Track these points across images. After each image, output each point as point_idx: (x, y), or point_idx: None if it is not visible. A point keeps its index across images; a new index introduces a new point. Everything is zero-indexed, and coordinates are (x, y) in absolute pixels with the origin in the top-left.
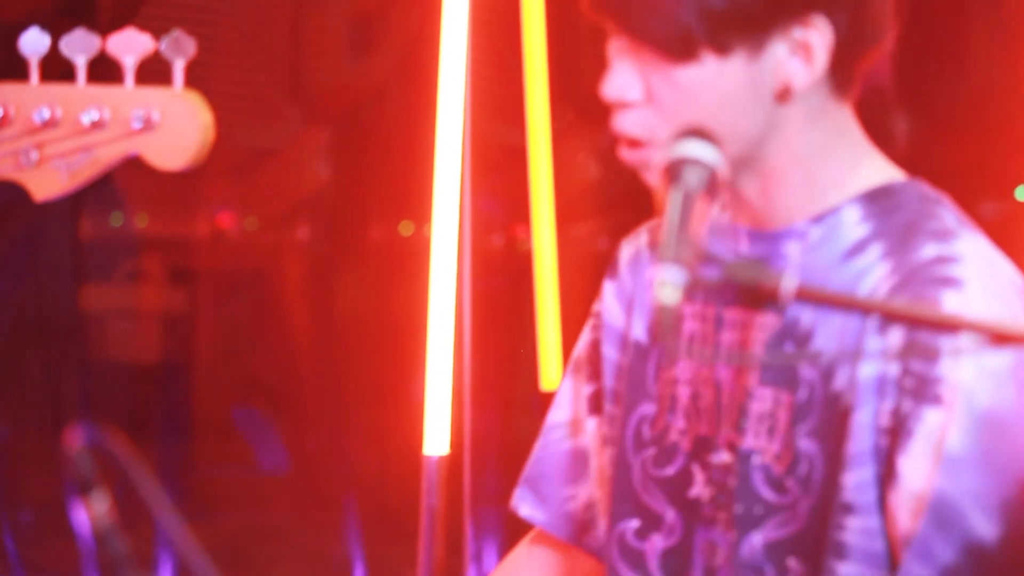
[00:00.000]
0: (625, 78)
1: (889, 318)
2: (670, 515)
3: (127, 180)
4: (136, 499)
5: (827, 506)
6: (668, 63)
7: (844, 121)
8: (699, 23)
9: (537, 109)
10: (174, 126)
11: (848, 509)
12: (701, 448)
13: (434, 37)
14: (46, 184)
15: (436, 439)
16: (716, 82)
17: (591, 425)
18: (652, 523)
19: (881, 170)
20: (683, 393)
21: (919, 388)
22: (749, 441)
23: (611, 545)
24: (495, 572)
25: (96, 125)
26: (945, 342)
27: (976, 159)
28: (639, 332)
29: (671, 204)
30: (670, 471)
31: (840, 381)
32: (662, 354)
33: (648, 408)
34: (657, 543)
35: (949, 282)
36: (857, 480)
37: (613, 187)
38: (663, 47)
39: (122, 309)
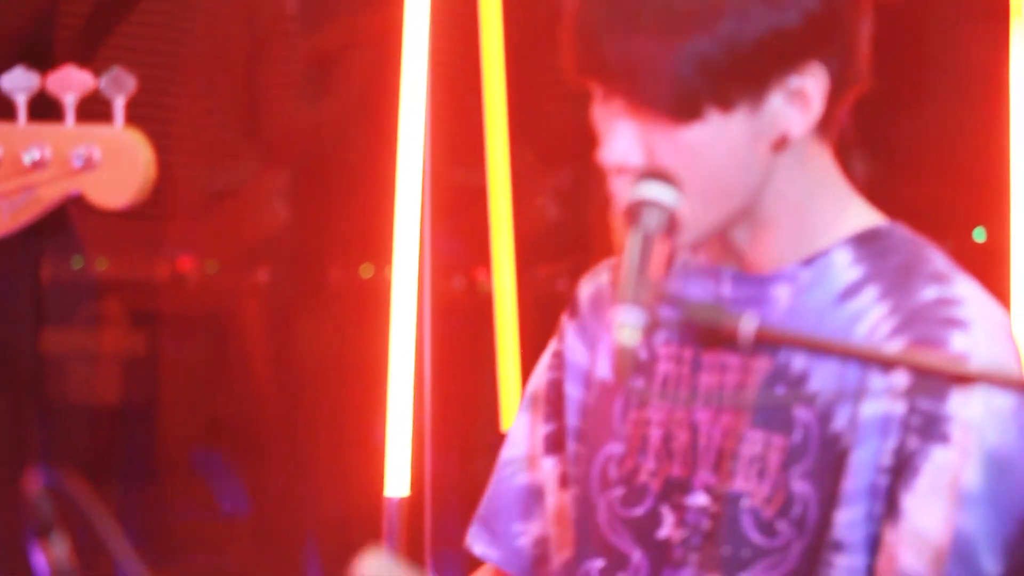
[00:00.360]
0: (626, 142)
1: (863, 360)
2: (636, 556)
3: (86, 223)
4: (96, 542)
5: (819, 546)
6: (671, 124)
7: (828, 163)
8: (703, 81)
9: (497, 150)
10: (116, 164)
11: (838, 547)
12: (672, 490)
13: (393, 78)
14: None
15: (397, 480)
16: (720, 139)
17: (548, 464)
18: (617, 563)
19: (866, 213)
20: (654, 435)
21: (927, 426)
22: (738, 484)
23: None
24: None
25: (37, 164)
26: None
27: (934, 200)
28: (604, 371)
29: (630, 246)
30: (639, 512)
31: (839, 422)
32: (630, 393)
33: (615, 448)
34: None
35: (955, 323)
36: (849, 518)
37: (573, 229)
38: (668, 109)
39: (82, 352)
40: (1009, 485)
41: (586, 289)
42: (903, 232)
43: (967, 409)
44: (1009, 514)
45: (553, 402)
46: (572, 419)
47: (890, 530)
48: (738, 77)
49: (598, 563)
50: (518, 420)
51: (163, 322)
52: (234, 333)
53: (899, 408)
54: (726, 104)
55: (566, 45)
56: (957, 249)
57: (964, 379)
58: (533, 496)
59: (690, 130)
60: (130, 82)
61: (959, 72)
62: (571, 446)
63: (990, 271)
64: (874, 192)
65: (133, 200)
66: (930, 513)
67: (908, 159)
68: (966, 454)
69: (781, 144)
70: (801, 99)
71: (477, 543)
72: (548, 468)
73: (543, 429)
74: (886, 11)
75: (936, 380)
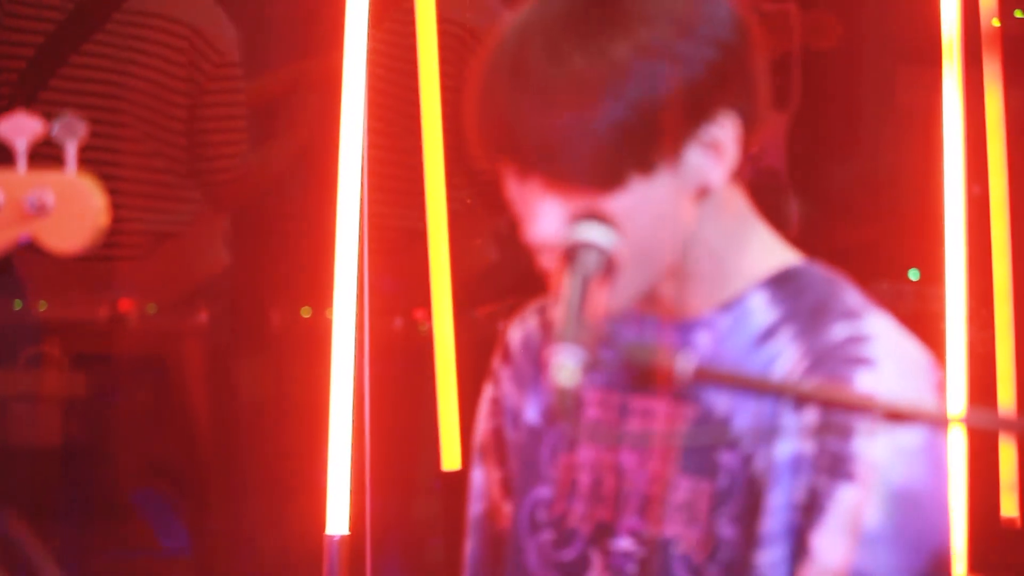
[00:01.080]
0: (551, 220)
1: (788, 396)
2: None
3: (27, 264)
4: None
5: None
6: (594, 195)
7: (742, 203)
8: (621, 148)
9: (435, 192)
10: (68, 210)
11: None
12: (601, 534)
13: (334, 123)
14: None
15: (336, 519)
16: (645, 203)
17: (508, 508)
18: None
19: (780, 252)
20: (583, 479)
21: (833, 465)
22: (669, 530)
23: None
24: None
25: None
26: (859, 420)
27: (869, 241)
28: (532, 415)
29: (568, 287)
30: (569, 555)
31: (759, 463)
32: (559, 437)
33: (543, 491)
34: None
35: (862, 361)
36: (771, 559)
37: (512, 269)
38: (590, 182)
39: (23, 394)
40: (917, 522)
41: (516, 334)
42: (818, 271)
43: (871, 448)
44: (917, 550)
45: (498, 448)
46: (512, 463)
47: (801, 569)
48: (654, 138)
49: None
50: (474, 474)
51: (104, 364)
52: (175, 374)
53: (809, 447)
54: (646, 167)
55: (473, 127)
56: (893, 289)
57: (871, 414)
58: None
59: (614, 199)
60: (82, 128)
61: (893, 115)
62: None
63: (924, 311)
64: (810, 234)
65: (86, 245)
66: (836, 551)
67: (843, 201)
68: (868, 492)
69: (701, 195)
70: (716, 149)
71: None
72: (509, 513)
73: (496, 475)
74: (821, 55)
75: (843, 419)
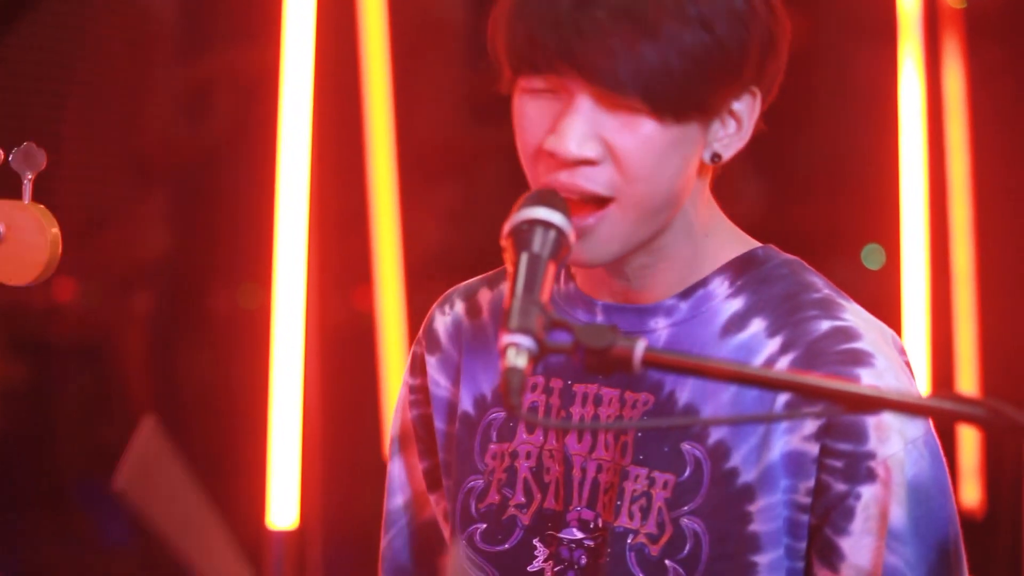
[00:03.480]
0: (583, 133)
1: (753, 384)
2: None
3: None
4: None
5: None
6: (643, 119)
7: (708, 192)
8: (698, 83)
9: (382, 170)
10: (21, 240)
11: None
12: (544, 523)
13: (271, 101)
14: None
15: (281, 511)
16: (672, 149)
17: (434, 499)
18: None
19: (737, 239)
20: (523, 467)
21: (851, 467)
22: (622, 521)
23: None
24: None
25: None
26: (866, 418)
27: (823, 222)
28: (467, 404)
29: (519, 268)
30: (505, 546)
31: (736, 459)
32: (492, 424)
33: (475, 482)
34: None
35: (859, 357)
36: (770, 559)
37: (460, 249)
38: (653, 105)
39: None
40: (928, 513)
41: (441, 320)
42: (777, 255)
43: (887, 445)
44: (930, 542)
45: (424, 439)
46: (442, 453)
47: (828, 571)
48: (718, 86)
49: None
50: (392, 466)
51: (41, 349)
52: (113, 360)
53: (812, 448)
54: (705, 110)
55: (514, 32)
56: (845, 269)
57: (871, 404)
58: (434, 533)
59: (650, 133)
60: (40, 157)
61: (849, 92)
62: (444, 481)
63: (883, 290)
64: (766, 213)
65: (38, 278)
66: (867, 550)
67: (799, 179)
68: (892, 490)
69: (703, 170)
70: (737, 123)
71: None
72: (435, 504)
73: (421, 466)
74: None
75: (850, 419)
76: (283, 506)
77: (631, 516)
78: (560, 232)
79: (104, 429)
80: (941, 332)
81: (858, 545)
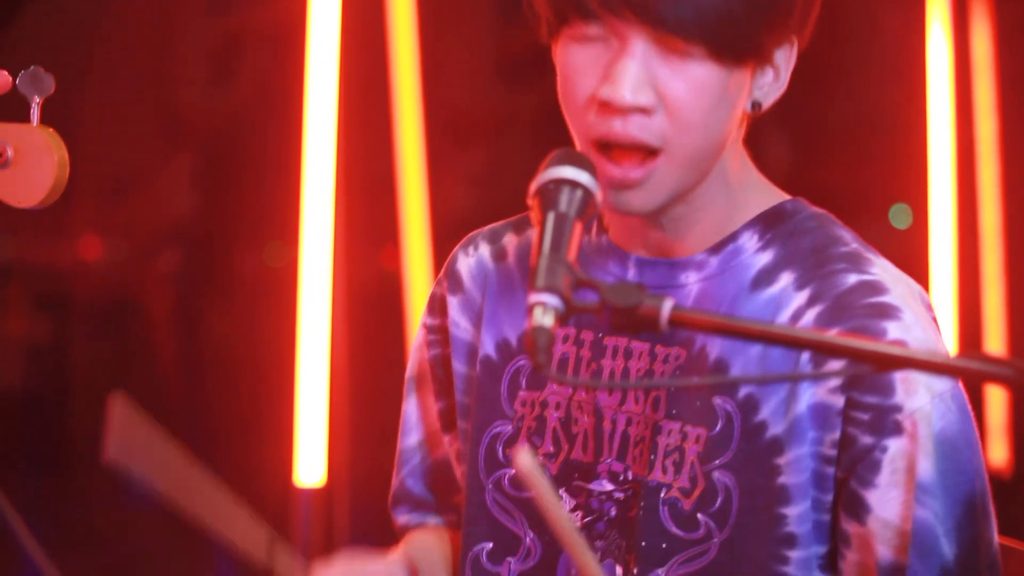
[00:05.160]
0: (639, 80)
1: (780, 343)
2: (529, 538)
3: None
4: (2, 534)
5: (745, 539)
6: (701, 62)
7: (742, 147)
8: (760, 26)
9: (409, 131)
10: (28, 163)
11: (791, 541)
12: (571, 474)
13: (299, 62)
14: None
15: (309, 469)
16: (729, 93)
17: (448, 439)
18: (507, 546)
19: (768, 193)
20: (552, 416)
21: (877, 420)
22: (655, 475)
23: (464, 569)
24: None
25: None
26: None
27: (850, 181)
28: (489, 348)
29: (545, 227)
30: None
31: (765, 412)
32: (520, 372)
33: (503, 428)
34: (512, 566)
35: (887, 311)
36: (798, 511)
37: (487, 211)
38: (716, 47)
39: None
40: (955, 467)
41: (465, 262)
42: (807, 209)
43: (914, 398)
44: (957, 496)
45: (441, 379)
46: (460, 395)
47: (855, 525)
48: (773, 32)
49: (487, 546)
50: (407, 405)
51: (68, 307)
52: (141, 319)
53: (837, 401)
54: (761, 55)
55: None
56: (877, 228)
57: (898, 363)
58: (447, 471)
59: (712, 76)
60: (48, 81)
61: (877, 50)
62: (460, 423)
63: (910, 249)
64: (794, 172)
65: (45, 200)
66: (893, 503)
67: (827, 138)
68: (919, 443)
69: (743, 119)
70: (776, 73)
71: (413, 521)
72: (448, 444)
73: (436, 406)
74: None
75: (871, 372)
76: (310, 464)
77: (664, 470)
78: (587, 191)
79: (131, 387)
80: (969, 291)
81: (885, 498)
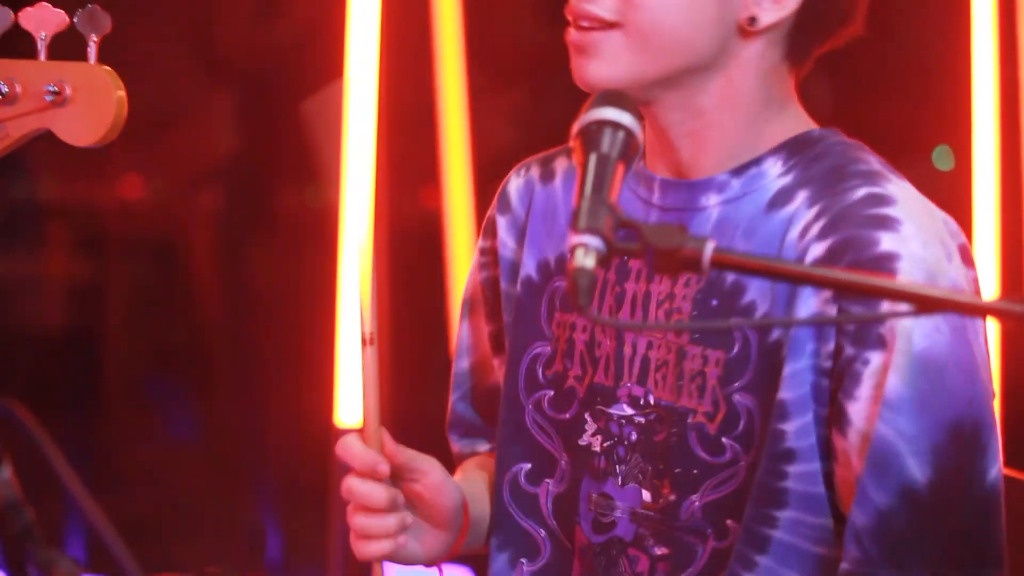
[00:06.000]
0: None
1: (816, 283)
2: (564, 461)
3: (33, 147)
4: (42, 471)
5: (767, 459)
6: None
7: (787, 91)
8: None
9: (451, 69)
10: (87, 101)
11: (789, 456)
12: (595, 397)
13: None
14: None
15: (349, 409)
16: None
17: (498, 363)
18: (545, 467)
19: (799, 121)
20: (579, 339)
21: (861, 331)
22: (682, 400)
23: (502, 489)
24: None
25: (7, 98)
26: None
27: (893, 122)
28: (530, 267)
29: (587, 169)
30: (566, 415)
31: (777, 332)
32: (557, 293)
33: (542, 348)
34: (550, 487)
35: (885, 222)
36: (798, 425)
37: (529, 149)
38: None
39: (26, 278)
40: (938, 389)
41: (515, 182)
42: (836, 136)
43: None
44: (937, 419)
45: (491, 301)
46: (507, 316)
47: (840, 438)
48: None
49: (525, 467)
50: (461, 328)
51: (109, 247)
52: (182, 259)
53: (831, 311)
54: None
55: None
56: (919, 170)
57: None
58: (496, 394)
59: None
60: (105, 20)
61: None
62: (507, 344)
63: (954, 192)
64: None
65: (103, 139)
66: (869, 417)
67: (869, 79)
68: (893, 358)
69: (747, 31)
70: None
71: (466, 447)
72: (499, 367)
73: (487, 329)
74: None
75: (910, 314)
76: (351, 404)
77: (691, 395)
78: (629, 133)
79: (171, 327)
80: (1011, 234)
81: (862, 412)
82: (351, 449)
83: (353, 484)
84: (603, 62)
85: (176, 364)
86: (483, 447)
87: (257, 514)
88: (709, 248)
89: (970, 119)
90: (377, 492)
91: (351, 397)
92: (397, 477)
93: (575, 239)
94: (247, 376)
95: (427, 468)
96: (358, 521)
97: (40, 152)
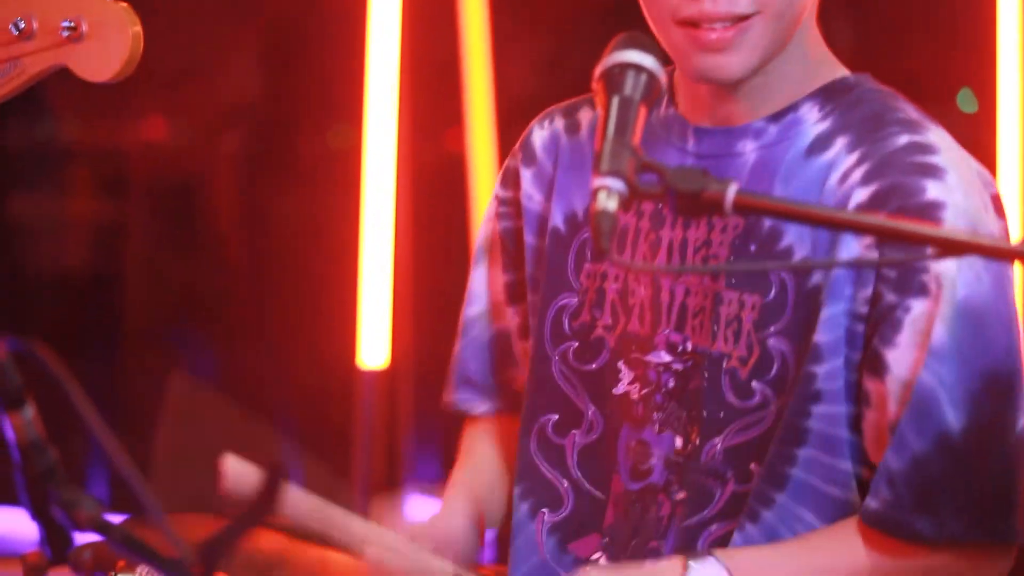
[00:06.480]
0: None
1: (845, 227)
2: (591, 411)
3: (56, 88)
4: (65, 412)
5: (796, 401)
6: None
7: (819, 36)
8: None
9: (474, 12)
10: (103, 37)
11: (817, 396)
12: (629, 346)
13: None
14: None
15: (372, 350)
16: None
17: (510, 313)
18: (571, 418)
19: (833, 65)
20: (610, 288)
21: (903, 279)
22: (719, 345)
23: (529, 439)
24: (460, 464)
25: (23, 34)
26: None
27: (917, 64)
28: (558, 219)
29: (610, 111)
30: (593, 366)
31: (816, 276)
32: (585, 244)
33: (568, 299)
34: (576, 439)
35: (930, 170)
36: (829, 368)
37: (551, 95)
38: None
39: (49, 219)
40: (977, 338)
41: (539, 134)
42: (871, 83)
43: (942, 261)
44: (975, 368)
45: (511, 252)
46: (529, 268)
47: (875, 383)
48: None
49: (553, 418)
50: (474, 275)
51: (132, 189)
52: (204, 201)
53: (871, 256)
54: None
55: None
56: (943, 112)
57: (936, 244)
58: (505, 345)
59: None
60: None
61: None
62: (530, 297)
63: (978, 135)
64: (859, 56)
65: (119, 75)
66: (909, 364)
67: (892, 20)
68: (939, 306)
69: None
70: None
71: (465, 404)
72: (511, 317)
73: (504, 278)
74: None
75: (935, 258)
76: (374, 346)
77: (726, 340)
78: (651, 75)
79: (194, 269)
80: None
81: (903, 358)
82: None
83: None
84: (743, 53)
85: (198, 305)
86: (480, 407)
87: (280, 455)
88: (732, 190)
89: (995, 62)
90: None
91: (373, 339)
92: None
93: (597, 181)
94: (270, 317)
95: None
96: None
97: (63, 93)
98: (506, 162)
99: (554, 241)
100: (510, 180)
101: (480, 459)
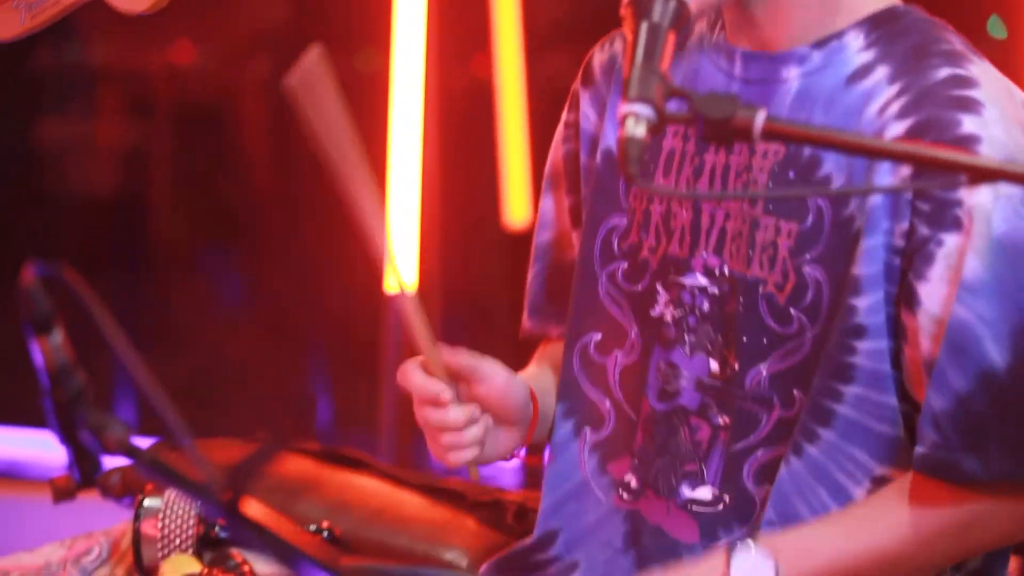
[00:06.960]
0: None
1: (874, 155)
2: (634, 332)
3: (83, 11)
4: (93, 336)
5: (835, 332)
6: None
7: None
8: None
9: None
10: None
11: (859, 331)
12: (668, 268)
13: None
14: (5, 24)
15: (400, 275)
16: None
17: (576, 237)
18: (615, 338)
19: None
20: (656, 210)
21: (937, 212)
22: (753, 270)
23: (572, 358)
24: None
25: None
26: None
27: None
28: (610, 140)
29: (638, 37)
30: (638, 287)
31: (852, 205)
32: (622, 173)
33: (618, 220)
34: (618, 359)
35: (967, 103)
36: (869, 302)
37: (579, 21)
38: None
39: (76, 142)
40: (1019, 271)
41: (599, 56)
42: (919, 13)
43: (975, 194)
44: (1018, 302)
45: (571, 174)
46: (584, 188)
47: (910, 318)
48: None
49: (596, 337)
50: (544, 202)
51: (160, 113)
52: (232, 124)
53: (907, 190)
54: None
55: None
56: (973, 38)
57: (967, 170)
58: (572, 273)
59: None
60: None
61: None
62: (584, 216)
63: (1008, 60)
64: None
65: (154, 5)
66: (941, 298)
67: None
68: (972, 240)
69: None
70: None
71: (536, 330)
72: (576, 241)
73: (567, 202)
74: None
75: (972, 184)
76: (400, 270)
77: (761, 265)
78: (679, 1)
79: (222, 192)
80: None
81: (935, 293)
82: (412, 380)
83: (427, 414)
84: None
85: (226, 229)
86: (553, 331)
87: (307, 379)
88: (760, 117)
89: None
90: (453, 415)
91: (400, 263)
92: (463, 381)
93: (624, 108)
94: (297, 241)
95: (490, 372)
96: (445, 438)
97: (91, 17)
98: (572, 86)
99: (606, 162)
100: (573, 104)
101: (545, 368)
